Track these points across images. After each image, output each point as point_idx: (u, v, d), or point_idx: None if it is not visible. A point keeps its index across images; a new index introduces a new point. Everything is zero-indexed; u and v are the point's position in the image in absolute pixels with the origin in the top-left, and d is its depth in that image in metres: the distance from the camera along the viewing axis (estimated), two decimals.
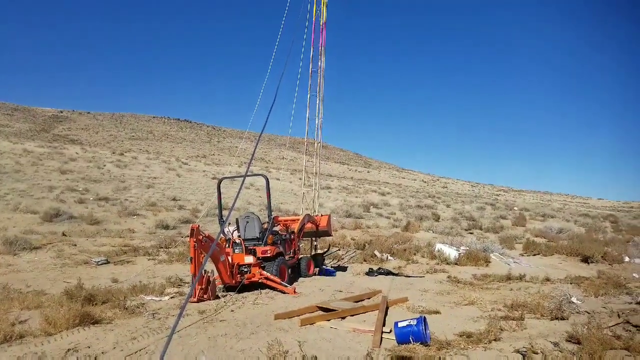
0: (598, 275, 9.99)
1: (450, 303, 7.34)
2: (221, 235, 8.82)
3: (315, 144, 13.18)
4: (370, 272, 10.49)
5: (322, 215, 11.88)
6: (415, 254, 13.18)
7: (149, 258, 11.32)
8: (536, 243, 15.71)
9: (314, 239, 12.14)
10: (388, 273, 10.38)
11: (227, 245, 8.24)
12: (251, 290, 7.84)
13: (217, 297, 7.31)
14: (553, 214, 34.07)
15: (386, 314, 6.31)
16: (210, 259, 7.60)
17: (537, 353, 4.44)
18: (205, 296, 7.06)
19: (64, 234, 13.34)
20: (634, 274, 10.30)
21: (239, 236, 8.63)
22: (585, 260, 12.87)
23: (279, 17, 9.94)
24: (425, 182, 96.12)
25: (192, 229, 6.83)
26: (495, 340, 5.07)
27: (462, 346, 4.91)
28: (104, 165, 34.86)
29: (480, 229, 22.01)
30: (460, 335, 5.33)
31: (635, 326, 5.45)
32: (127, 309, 6.30)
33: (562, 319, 6.02)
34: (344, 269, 11.31)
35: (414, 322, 5.01)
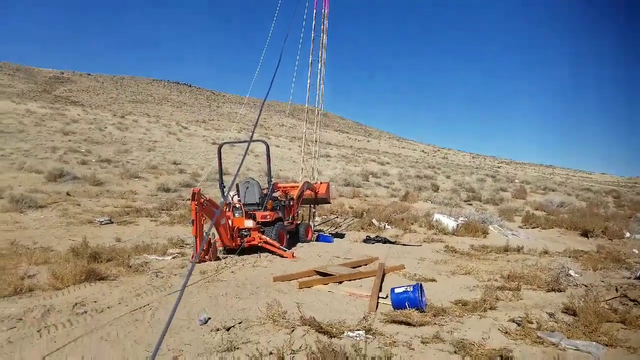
0: (597, 249, 10.02)
1: (446, 272, 7.45)
2: (222, 200, 8.89)
3: (316, 111, 13.02)
4: (367, 240, 10.61)
5: (321, 183, 11.91)
6: (413, 224, 13.27)
7: (151, 219, 11.44)
8: (536, 216, 15.76)
9: (312, 206, 12.21)
10: (385, 241, 10.49)
11: (227, 210, 8.31)
12: (250, 254, 7.95)
13: (218, 259, 7.44)
14: (554, 188, 34.06)
15: (382, 280, 6.41)
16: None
17: (532, 323, 4.52)
18: (206, 257, 7.19)
19: (68, 194, 13.43)
20: (634, 250, 10.31)
21: (239, 201, 8.68)
22: (585, 234, 12.87)
23: None
24: (425, 152, 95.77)
25: (194, 193, 6.86)
26: (491, 309, 5.16)
27: (458, 313, 5.00)
28: (106, 128, 34.69)
29: (480, 200, 22.06)
30: (456, 303, 5.42)
31: (633, 300, 5.48)
32: (131, 267, 6.44)
33: (559, 291, 6.08)
34: (341, 236, 11.43)
35: (410, 289, 5.10)
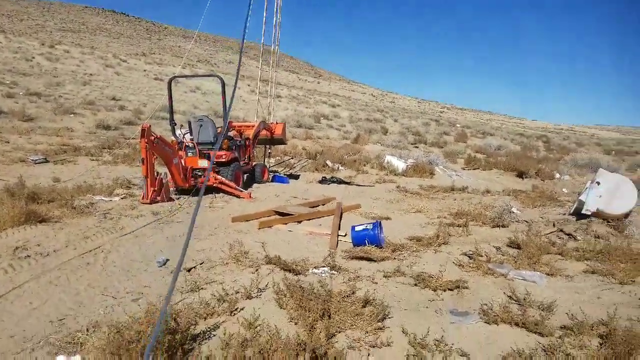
0: (532, 189, 10.80)
1: (399, 210, 7.70)
2: (172, 137, 8.42)
3: (272, 48, 12.43)
4: (323, 180, 10.67)
5: (277, 123, 11.65)
6: (365, 165, 13.50)
7: (92, 158, 10.71)
8: (476, 158, 16.59)
9: (268, 146, 11.98)
10: (340, 182, 10.61)
11: (179, 148, 7.90)
12: (205, 195, 7.72)
13: (171, 200, 7.16)
14: (492, 132, 35.86)
15: (340, 219, 6.52)
16: (163, 160, 7.31)
17: (482, 256, 4.81)
18: (158, 198, 6.87)
19: None
20: (563, 189, 11.26)
21: (192, 139, 8.27)
22: (521, 175, 13.88)
23: None
24: (374, 96, 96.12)
25: (143, 129, 6.39)
26: (444, 244, 5.44)
27: (414, 249, 5.22)
28: (33, 58, 31.18)
29: (425, 143, 22.80)
30: (411, 240, 5.65)
31: (568, 234, 6.04)
32: (75, 208, 6.00)
33: (503, 226, 6.51)
34: (296, 177, 11.39)
35: (370, 226, 5.21)
